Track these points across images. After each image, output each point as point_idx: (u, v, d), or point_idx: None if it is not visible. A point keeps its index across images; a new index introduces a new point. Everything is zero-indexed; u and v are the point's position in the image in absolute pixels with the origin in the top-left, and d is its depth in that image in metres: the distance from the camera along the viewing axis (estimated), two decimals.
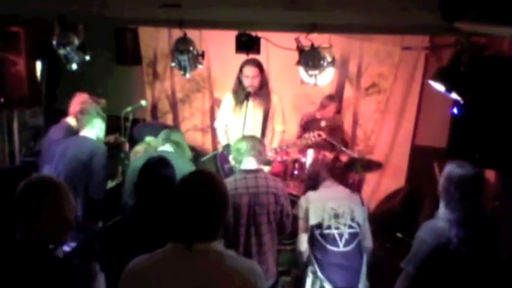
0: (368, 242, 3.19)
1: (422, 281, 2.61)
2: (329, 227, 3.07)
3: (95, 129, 3.69)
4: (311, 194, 3.24)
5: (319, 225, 3.07)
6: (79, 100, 3.97)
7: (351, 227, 3.08)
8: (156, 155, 2.89)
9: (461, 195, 2.49)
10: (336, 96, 5.15)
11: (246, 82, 4.09)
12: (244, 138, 3.14)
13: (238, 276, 1.63)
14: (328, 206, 3.11)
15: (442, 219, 2.55)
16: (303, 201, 3.19)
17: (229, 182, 2.99)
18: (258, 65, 4.07)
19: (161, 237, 1.71)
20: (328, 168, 3.36)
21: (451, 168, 2.56)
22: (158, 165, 2.73)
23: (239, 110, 4.19)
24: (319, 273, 3.03)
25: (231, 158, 4.21)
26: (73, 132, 3.90)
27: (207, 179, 1.71)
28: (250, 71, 4.06)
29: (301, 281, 3.32)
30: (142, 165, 2.77)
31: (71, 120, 3.97)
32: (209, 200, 1.66)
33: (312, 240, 3.09)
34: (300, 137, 4.77)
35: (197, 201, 1.65)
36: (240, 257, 1.74)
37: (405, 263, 2.62)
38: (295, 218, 3.19)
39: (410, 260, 2.61)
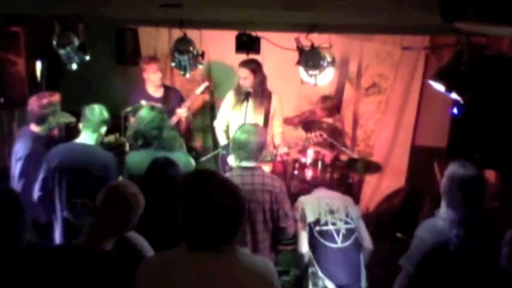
0: (367, 243, 3.17)
1: (421, 279, 2.61)
2: (326, 223, 3.07)
3: (96, 135, 3.35)
4: (304, 197, 3.27)
5: (316, 222, 3.08)
6: (36, 104, 3.51)
7: (346, 222, 3.09)
8: (162, 156, 2.88)
9: (463, 196, 2.49)
10: (329, 99, 5.15)
11: (241, 83, 4.18)
12: (245, 132, 3.07)
13: (254, 274, 1.63)
14: (322, 203, 3.13)
15: (442, 218, 2.55)
16: (298, 205, 3.21)
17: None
18: (249, 67, 4.11)
19: (168, 237, 1.71)
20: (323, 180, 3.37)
21: (453, 168, 2.55)
22: (165, 165, 2.74)
23: (239, 108, 4.21)
24: (319, 273, 3.03)
25: (229, 157, 4.24)
26: (42, 140, 3.54)
27: (215, 180, 1.66)
28: (241, 72, 4.15)
29: (301, 283, 3.32)
30: (148, 166, 2.77)
31: (36, 128, 3.55)
32: (225, 206, 1.61)
33: (311, 239, 3.09)
34: (296, 122, 5.01)
35: (214, 207, 1.60)
36: (254, 255, 1.75)
37: (404, 261, 2.63)
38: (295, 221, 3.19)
39: (408, 258, 2.61)
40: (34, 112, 3.52)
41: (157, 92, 4.75)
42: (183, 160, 3.24)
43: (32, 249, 2.04)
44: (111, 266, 1.93)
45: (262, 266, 1.67)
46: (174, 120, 4.49)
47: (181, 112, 4.58)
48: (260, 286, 1.63)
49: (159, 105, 4.58)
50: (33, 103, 3.52)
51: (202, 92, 4.66)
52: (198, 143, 5.76)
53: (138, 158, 3.28)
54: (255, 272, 1.63)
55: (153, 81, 4.70)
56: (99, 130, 3.36)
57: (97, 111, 3.34)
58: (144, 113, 3.35)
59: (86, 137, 3.34)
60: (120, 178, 3.33)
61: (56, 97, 3.59)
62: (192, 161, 3.45)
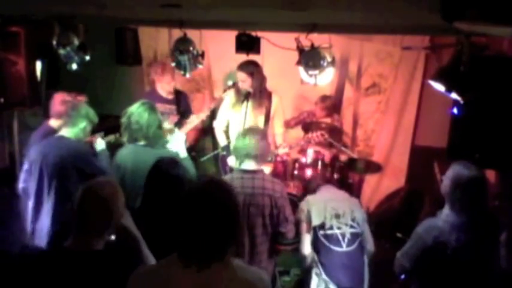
0: (370, 246, 3.19)
1: (419, 280, 2.62)
2: (331, 228, 3.07)
3: (75, 129, 3.41)
4: (311, 197, 3.25)
5: (321, 226, 3.07)
6: (59, 100, 3.73)
7: (352, 226, 3.09)
8: (166, 157, 2.88)
9: (469, 198, 2.48)
10: (329, 99, 5.15)
11: (239, 85, 4.18)
12: (246, 135, 3.08)
13: (246, 286, 1.61)
14: (329, 206, 3.12)
15: (443, 220, 2.55)
16: (304, 205, 3.19)
17: (226, 180, 3.02)
18: (247, 70, 4.10)
19: (167, 239, 1.70)
20: (326, 179, 3.38)
21: (457, 170, 2.53)
22: (168, 166, 2.74)
23: (239, 108, 4.21)
24: (323, 275, 3.03)
25: (229, 158, 4.25)
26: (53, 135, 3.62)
27: (218, 194, 1.61)
28: (239, 76, 4.14)
29: (303, 283, 3.32)
30: (151, 166, 2.78)
31: (53, 123, 3.71)
32: (222, 217, 1.57)
33: (316, 242, 3.09)
34: (293, 124, 5.01)
35: (209, 218, 1.56)
36: (248, 267, 1.71)
37: (400, 255, 2.64)
38: (298, 222, 3.19)
39: (405, 253, 2.62)
40: (54, 106, 3.70)
41: (169, 95, 4.70)
42: (170, 154, 3.28)
43: (23, 252, 2.04)
44: (102, 265, 1.93)
45: (255, 278, 1.64)
46: (188, 127, 4.38)
47: (201, 117, 4.45)
48: None
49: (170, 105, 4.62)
50: (57, 98, 3.71)
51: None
52: (197, 142, 5.74)
53: (124, 153, 3.39)
54: (249, 284, 1.61)
55: (166, 89, 4.62)
56: (78, 125, 3.40)
57: (77, 107, 3.42)
58: (139, 109, 3.36)
59: (64, 132, 3.40)
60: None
61: (81, 99, 3.74)
62: (178, 155, 3.44)
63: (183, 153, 3.51)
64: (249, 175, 3.00)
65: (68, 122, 3.40)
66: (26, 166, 3.43)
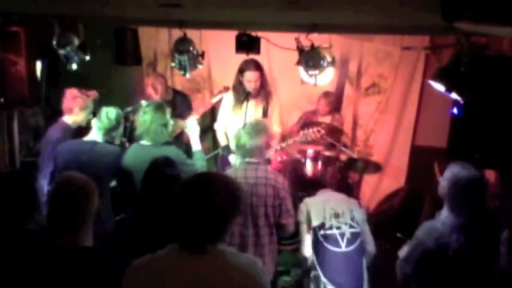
0: (370, 247, 3.18)
1: (420, 282, 2.62)
2: (330, 227, 3.07)
3: (107, 136, 3.47)
4: (309, 199, 3.27)
5: (321, 226, 3.08)
6: (71, 95, 3.79)
7: (351, 226, 3.09)
8: (161, 156, 2.89)
9: (469, 199, 2.47)
10: (332, 95, 5.14)
11: (248, 86, 4.10)
12: (249, 129, 3.12)
13: (240, 273, 1.64)
14: (328, 206, 3.13)
15: (442, 222, 2.54)
16: (303, 207, 3.21)
17: (230, 172, 3.14)
18: (259, 68, 4.06)
19: (166, 237, 1.71)
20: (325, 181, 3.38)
21: (456, 171, 2.52)
22: (164, 165, 2.75)
23: (239, 108, 4.19)
24: (322, 277, 3.03)
25: (230, 157, 4.24)
26: (71, 131, 3.75)
27: (213, 181, 1.68)
28: (251, 76, 4.05)
29: (302, 284, 3.32)
30: (148, 166, 2.79)
31: (68, 119, 3.80)
32: (213, 203, 1.63)
33: (315, 243, 3.09)
34: (296, 131, 4.84)
35: (201, 204, 1.63)
36: (241, 254, 1.75)
37: (402, 261, 2.63)
38: (297, 223, 3.20)
39: (407, 258, 2.61)
40: (66, 102, 3.79)
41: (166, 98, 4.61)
42: (174, 153, 3.28)
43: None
44: (88, 261, 1.94)
45: (249, 264, 1.68)
46: (176, 131, 4.31)
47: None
48: (248, 285, 1.64)
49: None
50: (68, 93, 3.80)
51: (217, 102, 4.52)
52: (205, 145, 5.72)
53: (128, 152, 3.46)
54: (242, 271, 1.64)
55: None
56: (110, 134, 3.48)
57: (114, 117, 3.45)
58: (147, 107, 3.44)
59: (97, 136, 3.45)
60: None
61: (90, 94, 3.83)
62: (182, 153, 3.44)
63: (196, 146, 3.54)
64: (253, 166, 3.06)
65: (102, 129, 3.43)
66: (52, 169, 3.45)
